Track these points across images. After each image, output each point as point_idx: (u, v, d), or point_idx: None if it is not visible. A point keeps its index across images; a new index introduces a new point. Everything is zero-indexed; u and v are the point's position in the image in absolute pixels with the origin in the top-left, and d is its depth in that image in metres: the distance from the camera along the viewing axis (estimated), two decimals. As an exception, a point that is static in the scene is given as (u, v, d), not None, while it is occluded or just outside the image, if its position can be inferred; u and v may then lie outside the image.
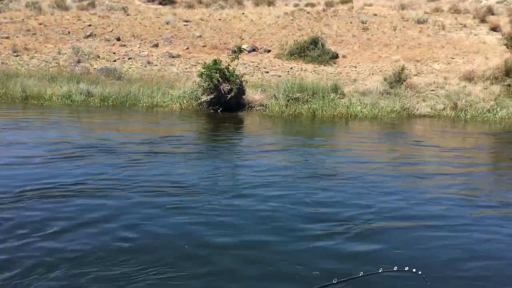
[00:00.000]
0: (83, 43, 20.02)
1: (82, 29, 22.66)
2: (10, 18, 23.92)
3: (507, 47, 17.36)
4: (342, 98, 14.27)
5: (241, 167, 6.91)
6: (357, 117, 13.23)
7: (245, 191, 5.48)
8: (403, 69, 15.58)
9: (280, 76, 16.69)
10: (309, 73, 17.40)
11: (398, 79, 15.36)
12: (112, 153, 7.23)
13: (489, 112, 13.91)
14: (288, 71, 17.61)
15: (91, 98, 13.50)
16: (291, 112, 13.26)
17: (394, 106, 13.88)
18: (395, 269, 2.41)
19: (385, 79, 15.58)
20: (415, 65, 18.57)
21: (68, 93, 13.63)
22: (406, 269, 2.44)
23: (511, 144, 10.57)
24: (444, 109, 14.18)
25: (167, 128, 10.67)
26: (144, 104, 13.49)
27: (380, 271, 2.46)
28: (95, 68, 16.85)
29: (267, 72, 17.41)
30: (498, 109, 13.99)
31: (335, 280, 2.13)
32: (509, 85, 15.01)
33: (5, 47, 18.99)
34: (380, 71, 17.60)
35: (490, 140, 11.06)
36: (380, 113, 13.50)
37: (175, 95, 13.98)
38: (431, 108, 14.19)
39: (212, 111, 13.06)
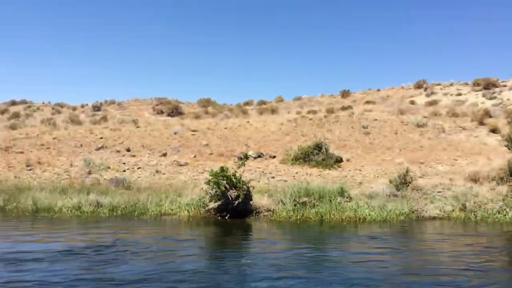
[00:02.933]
0: (95, 155, 20.66)
1: (94, 142, 23.56)
2: (25, 134, 25.07)
3: (508, 148, 17.66)
4: (349, 201, 14.28)
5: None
6: (366, 220, 13.12)
7: None
8: (407, 171, 15.76)
9: (286, 181, 16.90)
10: (315, 177, 17.61)
11: (403, 181, 15.48)
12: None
13: (499, 213, 13.79)
14: (294, 176, 17.85)
15: (100, 209, 13.61)
16: (298, 217, 13.20)
17: (402, 208, 13.82)
18: None
19: (390, 182, 15.70)
20: (419, 167, 18.80)
21: (78, 204, 13.78)
22: None
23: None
24: (453, 210, 14.08)
25: (169, 237, 10.57)
26: (152, 213, 13.54)
27: None
28: (105, 179, 17.18)
29: (273, 177, 17.66)
30: (507, 209, 13.88)
31: None
32: (515, 185, 15.01)
33: (19, 162, 19.59)
34: (385, 173, 17.83)
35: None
36: (389, 216, 13.40)
37: (183, 203, 14.09)
38: (439, 210, 14.10)
39: (220, 217, 13.06)
